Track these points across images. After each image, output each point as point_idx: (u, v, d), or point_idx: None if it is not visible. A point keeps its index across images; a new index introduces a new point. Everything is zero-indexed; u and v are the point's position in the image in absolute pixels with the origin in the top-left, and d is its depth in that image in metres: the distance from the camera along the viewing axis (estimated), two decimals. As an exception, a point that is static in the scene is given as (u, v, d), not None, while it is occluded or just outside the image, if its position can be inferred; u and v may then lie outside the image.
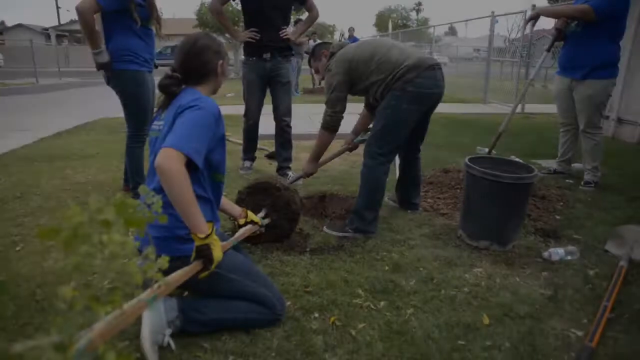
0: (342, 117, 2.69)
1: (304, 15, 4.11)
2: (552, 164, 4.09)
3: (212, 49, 1.71)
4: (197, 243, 1.47)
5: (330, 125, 2.69)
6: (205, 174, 1.66)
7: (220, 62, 1.73)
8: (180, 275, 1.39)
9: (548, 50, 3.78)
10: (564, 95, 3.66)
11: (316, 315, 1.82)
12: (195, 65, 1.69)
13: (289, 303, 1.89)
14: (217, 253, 1.50)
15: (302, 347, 1.62)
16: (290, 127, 3.87)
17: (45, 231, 0.67)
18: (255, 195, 2.41)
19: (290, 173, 3.84)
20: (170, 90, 1.67)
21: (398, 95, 2.49)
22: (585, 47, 3.38)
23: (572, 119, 3.72)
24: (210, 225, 1.50)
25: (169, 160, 1.41)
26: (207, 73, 1.71)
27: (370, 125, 2.85)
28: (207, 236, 1.47)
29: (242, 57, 3.69)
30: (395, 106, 2.50)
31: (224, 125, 1.70)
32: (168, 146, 1.45)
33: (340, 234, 2.62)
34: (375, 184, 2.61)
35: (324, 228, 2.70)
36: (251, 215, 2.15)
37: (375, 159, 2.58)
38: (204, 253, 1.47)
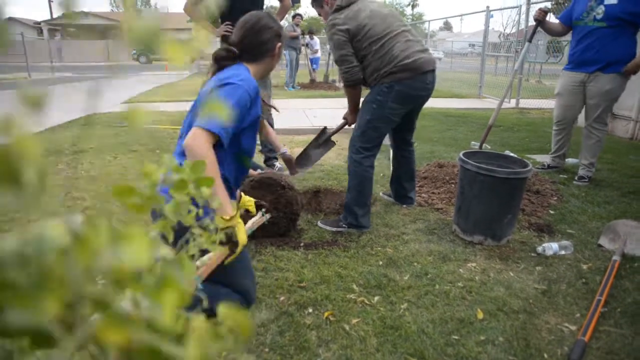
0: (358, 69, 2.51)
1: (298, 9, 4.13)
2: (546, 158, 4.10)
3: (274, 29, 1.70)
4: (221, 225, 1.41)
5: (350, 81, 2.55)
6: (230, 155, 1.61)
7: (279, 44, 1.72)
8: (211, 261, 1.38)
9: (529, 40, 3.77)
10: (574, 91, 3.56)
11: (310, 310, 1.81)
12: (255, 42, 1.68)
13: (282, 298, 1.88)
14: (242, 236, 1.46)
15: (296, 342, 1.61)
16: (271, 119, 3.88)
17: (120, 189, 0.62)
18: (259, 189, 2.40)
19: (276, 163, 3.89)
20: (222, 63, 1.66)
21: (385, 91, 2.47)
22: (612, 41, 3.29)
23: (572, 117, 3.65)
24: (235, 206, 1.47)
25: (197, 142, 1.40)
26: (265, 52, 1.70)
27: None
28: (232, 218, 1.42)
29: None
30: (381, 102, 2.48)
31: (260, 107, 1.67)
32: (199, 126, 1.43)
33: (334, 229, 2.61)
34: (363, 178, 2.60)
35: (318, 223, 2.69)
36: (245, 200, 2.11)
37: (361, 153, 2.58)
38: (230, 236, 1.44)
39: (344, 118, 2.89)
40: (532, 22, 4.17)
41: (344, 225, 2.62)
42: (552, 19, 3.83)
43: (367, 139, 2.55)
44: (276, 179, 2.41)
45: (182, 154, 1.61)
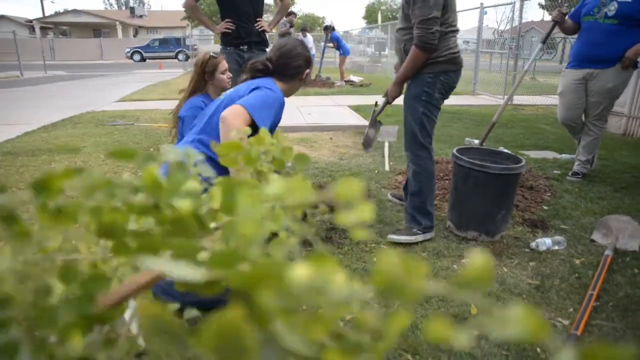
0: (437, 37, 2.32)
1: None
2: (540, 154, 4.08)
3: (306, 57, 1.96)
4: None
5: (428, 44, 2.30)
6: None
7: (308, 70, 1.98)
8: None
9: (544, 42, 3.75)
10: (576, 89, 3.50)
11: (303, 307, 1.81)
12: (288, 66, 1.92)
13: (277, 295, 1.88)
14: None
15: (290, 340, 1.61)
16: None
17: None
18: None
19: None
20: (255, 73, 1.92)
21: (430, 81, 2.41)
22: (620, 39, 3.26)
23: (578, 116, 3.58)
24: None
25: (234, 116, 1.60)
26: (294, 75, 1.95)
27: None
28: None
29: (220, 46, 3.74)
30: (428, 93, 2.42)
31: (281, 117, 1.91)
32: (240, 104, 1.63)
33: (412, 239, 2.44)
34: (431, 175, 2.52)
35: (389, 236, 2.48)
36: None
37: (425, 148, 2.49)
38: None
39: (385, 96, 2.65)
40: (525, 19, 4.16)
41: (419, 232, 2.47)
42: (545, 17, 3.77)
43: (426, 132, 2.47)
44: None
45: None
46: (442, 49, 2.39)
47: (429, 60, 2.38)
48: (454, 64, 2.42)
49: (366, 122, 5.62)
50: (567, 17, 3.54)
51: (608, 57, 3.32)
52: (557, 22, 3.49)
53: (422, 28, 2.29)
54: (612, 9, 3.24)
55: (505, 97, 8.73)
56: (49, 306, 0.28)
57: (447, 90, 2.48)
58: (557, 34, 3.96)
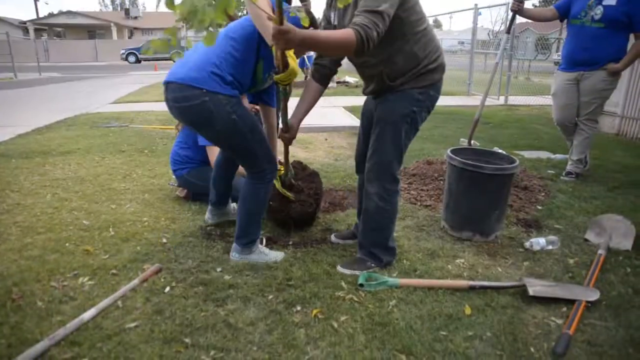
0: (378, 38, 1.70)
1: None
2: (535, 154, 4.09)
3: None
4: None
5: (363, 38, 1.66)
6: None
7: None
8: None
9: (508, 32, 3.93)
10: (569, 89, 3.56)
11: (298, 308, 1.81)
12: None
13: (271, 297, 1.88)
14: (293, 62, 1.95)
15: (284, 341, 1.61)
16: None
17: None
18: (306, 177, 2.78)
19: None
20: None
21: (420, 99, 1.97)
22: (607, 42, 3.30)
23: (571, 116, 3.63)
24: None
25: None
26: None
27: None
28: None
29: None
30: (417, 113, 2.00)
31: None
32: None
33: (364, 272, 2.06)
34: (396, 211, 2.18)
35: (339, 268, 2.13)
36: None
37: (396, 181, 2.11)
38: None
39: None
40: (519, 20, 4.19)
41: (372, 265, 2.14)
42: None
43: (401, 161, 2.10)
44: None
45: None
46: (434, 52, 1.96)
47: (422, 66, 1.94)
48: (442, 71, 2.03)
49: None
50: (554, 7, 3.60)
51: (596, 60, 3.38)
52: (516, 12, 3.55)
53: (361, 17, 1.69)
54: (598, 12, 3.29)
55: (500, 97, 8.78)
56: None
57: (433, 107, 2.10)
58: (552, 33, 4.02)
